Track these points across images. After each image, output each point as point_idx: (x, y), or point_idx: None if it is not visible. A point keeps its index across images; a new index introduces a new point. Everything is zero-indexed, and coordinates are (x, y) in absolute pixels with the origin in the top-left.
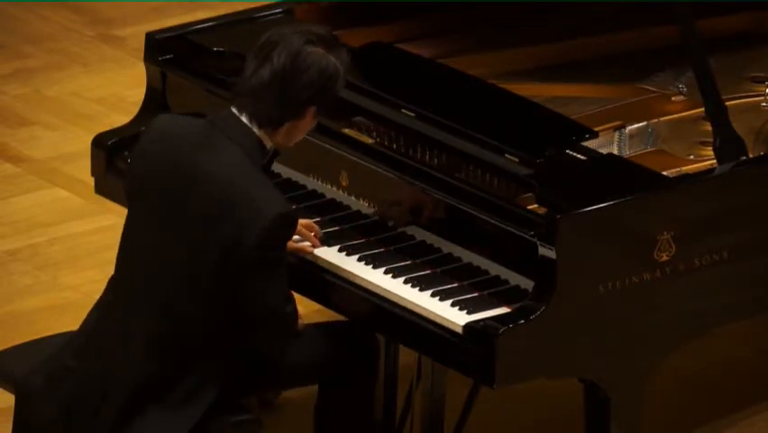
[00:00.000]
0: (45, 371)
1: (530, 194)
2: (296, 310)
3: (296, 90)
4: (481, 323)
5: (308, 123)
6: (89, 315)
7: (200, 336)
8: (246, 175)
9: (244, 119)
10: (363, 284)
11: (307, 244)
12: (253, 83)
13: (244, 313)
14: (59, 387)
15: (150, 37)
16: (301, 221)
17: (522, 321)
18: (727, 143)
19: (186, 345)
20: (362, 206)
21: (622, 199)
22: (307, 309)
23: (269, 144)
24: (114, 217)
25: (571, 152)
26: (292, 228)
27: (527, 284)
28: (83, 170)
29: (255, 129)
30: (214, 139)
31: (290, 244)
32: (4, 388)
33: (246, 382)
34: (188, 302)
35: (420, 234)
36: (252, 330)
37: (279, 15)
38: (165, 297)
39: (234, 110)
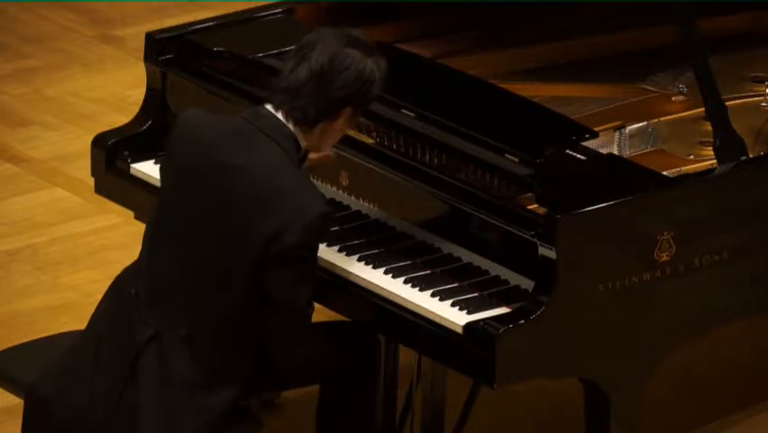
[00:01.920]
0: (58, 374)
1: (530, 194)
2: (312, 315)
3: (332, 89)
4: (481, 323)
5: (342, 126)
6: (99, 313)
7: (232, 331)
8: (288, 172)
9: (280, 116)
10: (363, 284)
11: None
12: (290, 81)
13: (267, 308)
14: (76, 388)
15: (150, 37)
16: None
17: (522, 321)
18: (727, 143)
19: (218, 340)
20: (362, 206)
21: (622, 199)
22: None
23: (303, 144)
24: (114, 217)
25: (571, 152)
26: (329, 225)
27: (527, 284)
28: (83, 170)
29: (291, 126)
30: (252, 136)
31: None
32: (5, 388)
33: (249, 382)
34: (224, 297)
35: (420, 235)
36: (270, 327)
37: (279, 15)
38: (200, 292)
39: (271, 108)
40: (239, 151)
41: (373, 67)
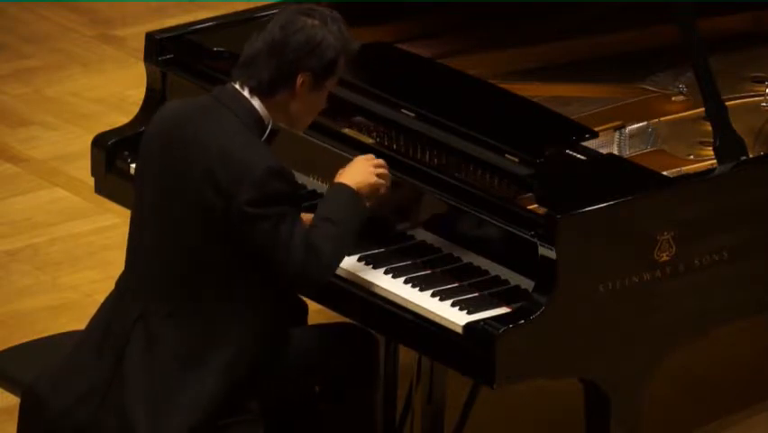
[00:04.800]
0: (54, 371)
1: (530, 194)
2: (310, 256)
3: (282, 53)
4: (481, 323)
5: (304, 97)
6: (98, 311)
7: (210, 307)
8: (238, 139)
9: (238, 86)
10: (363, 284)
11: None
12: (247, 52)
13: (270, 268)
14: (70, 383)
15: (150, 37)
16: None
17: (522, 321)
18: (727, 143)
19: (197, 316)
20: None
21: (622, 199)
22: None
23: (265, 114)
24: (113, 217)
25: (571, 152)
26: (283, 182)
27: (527, 284)
28: (83, 170)
29: (247, 94)
30: (212, 108)
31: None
32: (5, 388)
33: (248, 384)
34: (197, 273)
35: (420, 235)
36: (283, 274)
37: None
38: (176, 270)
39: (232, 81)
40: (196, 124)
41: (327, 33)
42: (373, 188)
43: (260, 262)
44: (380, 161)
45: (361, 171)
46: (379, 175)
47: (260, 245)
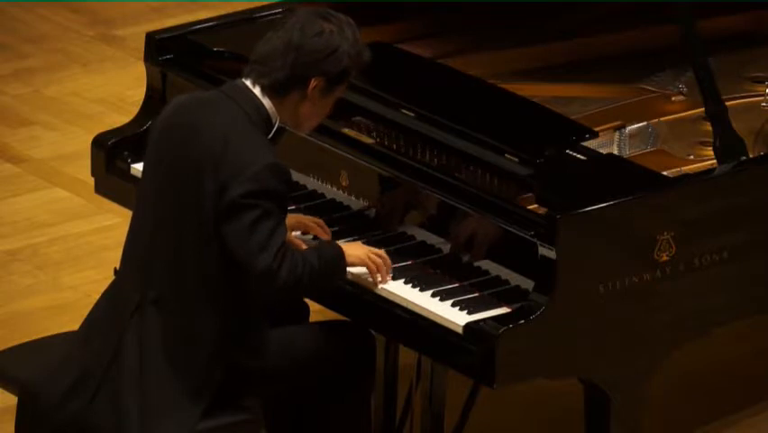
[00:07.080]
0: (51, 366)
1: (530, 194)
2: (277, 262)
3: (298, 55)
4: (481, 323)
5: (315, 100)
6: (95, 304)
7: (196, 294)
8: (242, 131)
9: (249, 84)
10: (363, 284)
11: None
12: (262, 50)
13: (242, 276)
14: (67, 375)
15: (150, 37)
16: (307, 217)
17: (522, 321)
18: (727, 143)
19: (182, 303)
20: (362, 206)
21: (622, 199)
22: None
23: (273, 113)
24: (113, 217)
25: (571, 152)
26: (281, 181)
27: (527, 284)
28: (83, 170)
29: (258, 93)
30: (219, 102)
31: (295, 241)
32: (5, 388)
33: (246, 382)
34: (184, 258)
35: (420, 235)
36: (252, 289)
37: (279, 15)
38: (165, 256)
39: (243, 77)
40: (202, 119)
41: (342, 40)
42: (362, 264)
43: (229, 249)
44: (380, 251)
45: (360, 248)
46: (371, 259)
47: (238, 232)
